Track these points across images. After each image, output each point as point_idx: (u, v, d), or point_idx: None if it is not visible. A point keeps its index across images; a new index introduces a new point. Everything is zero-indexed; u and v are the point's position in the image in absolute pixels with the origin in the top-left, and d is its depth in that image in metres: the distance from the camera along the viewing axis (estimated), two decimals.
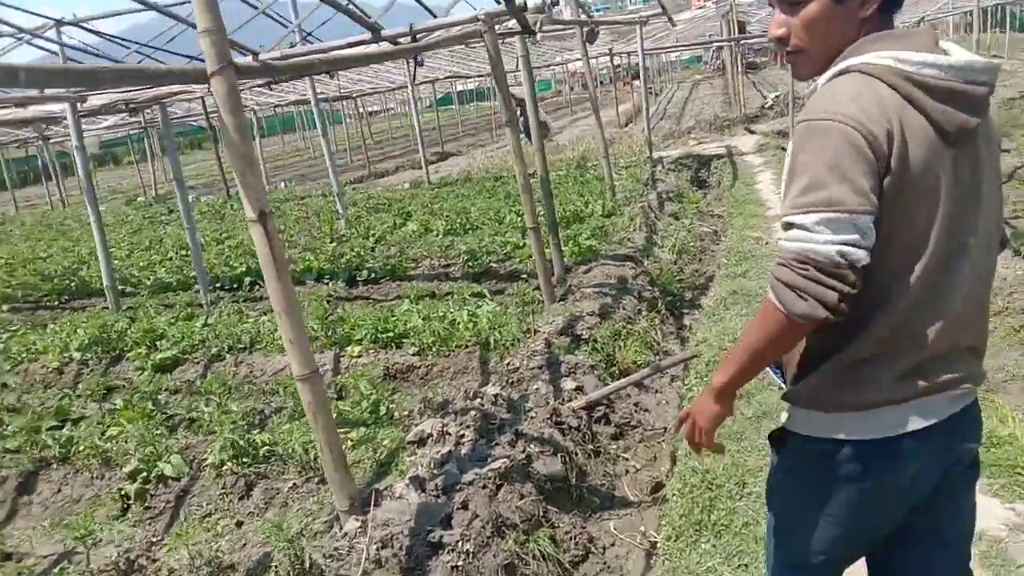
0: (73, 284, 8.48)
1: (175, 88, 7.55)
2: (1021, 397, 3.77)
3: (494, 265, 7.05)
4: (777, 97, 18.74)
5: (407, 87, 14.33)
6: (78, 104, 6.32)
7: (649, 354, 5.27)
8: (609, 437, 4.36)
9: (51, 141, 16.81)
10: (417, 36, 5.64)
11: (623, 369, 5.04)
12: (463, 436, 3.72)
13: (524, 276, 6.68)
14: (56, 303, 8.29)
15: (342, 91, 21.30)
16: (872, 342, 1.44)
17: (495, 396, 4.10)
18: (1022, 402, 3.67)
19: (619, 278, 6.20)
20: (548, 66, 31.28)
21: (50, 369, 5.83)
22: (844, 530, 1.59)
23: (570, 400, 4.40)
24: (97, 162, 33.83)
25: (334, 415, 4.25)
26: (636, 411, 4.65)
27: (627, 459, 4.22)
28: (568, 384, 4.54)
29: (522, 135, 17.72)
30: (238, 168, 3.00)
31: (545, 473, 3.64)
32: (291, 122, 36.81)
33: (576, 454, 3.94)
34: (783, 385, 1.65)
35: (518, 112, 18.76)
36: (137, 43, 7.21)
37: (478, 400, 4.05)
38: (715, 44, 28.45)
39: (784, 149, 12.54)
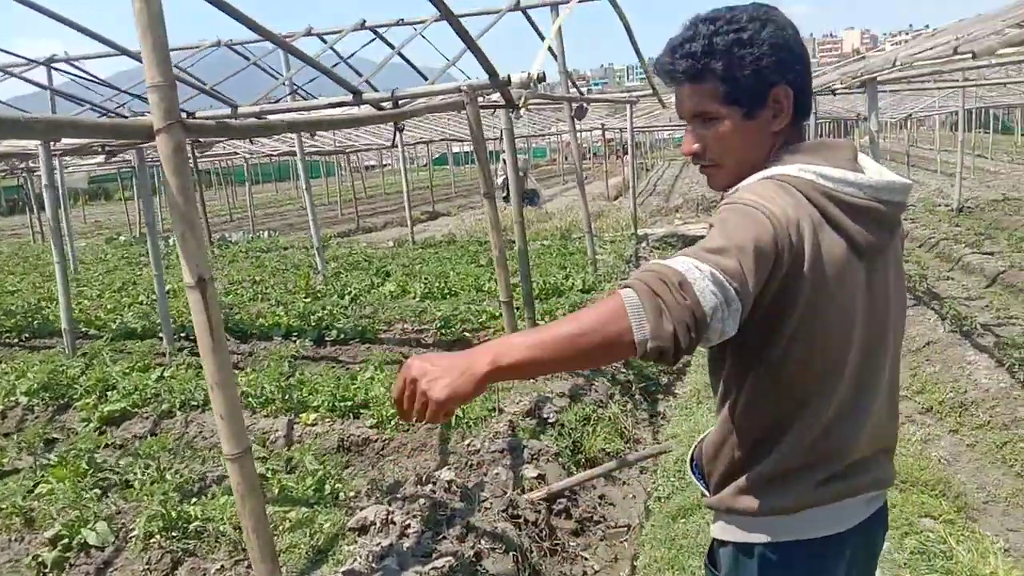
0: (35, 322, 8.21)
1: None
2: (1002, 521, 3.58)
3: (467, 334, 6.86)
4: None
5: (403, 145, 14.35)
6: (51, 143, 6.17)
7: (619, 442, 5.06)
8: (569, 532, 4.11)
9: (35, 173, 16.68)
10: (399, 102, 5.57)
11: (590, 457, 4.82)
12: (408, 527, 3.47)
13: None
14: (16, 341, 8.00)
15: (337, 145, 21.42)
16: (796, 454, 1.46)
17: (448, 483, 3.86)
18: (1003, 527, 3.48)
19: None
20: (542, 135, 31.68)
21: None
22: None
23: (530, 489, 4.17)
24: (88, 196, 33.76)
25: (277, 490, 4.01)
26: (600, 504, 4.42)
27: (586, 559, 3.97)
28: (530, 472, 4.31)
29: (525, 204, 17.83)
30: (178, 231, 2.82)
31: (494, 572, 3.39)
32: (286, 170, 36.99)
33: (531, 551, 3.69)
34: (706, 492, 1.64)
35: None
36: (119, 90, 7.10)
37: (430, 486, 3.81)
38: None
39: None
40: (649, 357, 1.22)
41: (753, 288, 1.28)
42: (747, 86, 1.45)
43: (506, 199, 18.66)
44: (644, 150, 38.66)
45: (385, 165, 39.34)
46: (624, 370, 6.14)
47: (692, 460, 1.71)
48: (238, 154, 20.69)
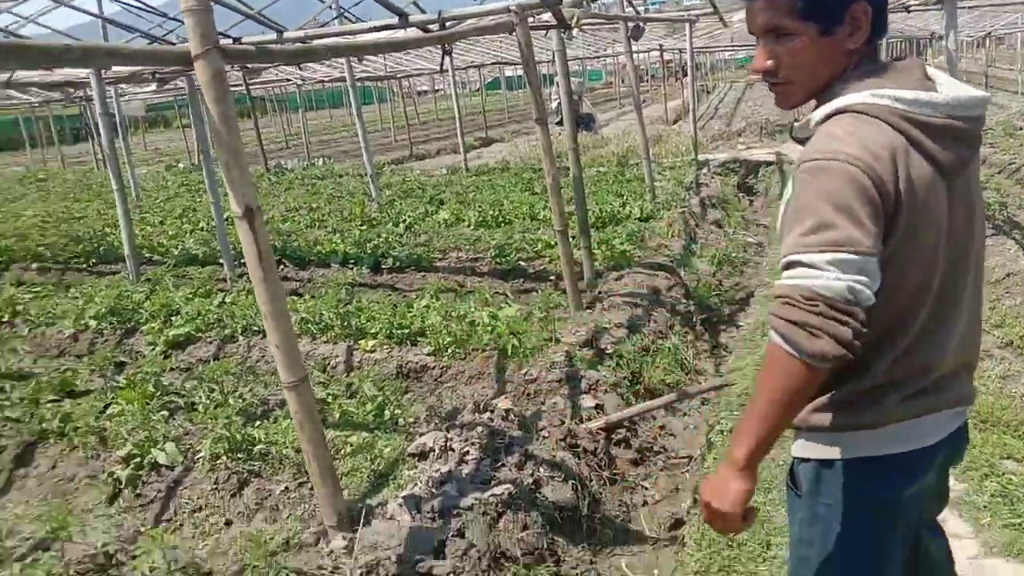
0: (101, 248, 8.41)
1: None
2: None
3: (523, 263, 6.79)
4: None
5: (454, 69, 14.04)
6: (102, 72, 6.16)
7: (679, 373, 4.97)
8: (628, 462, 4.08)
9: (92, 102, 16.85)
10: (446, 24, 5.37)
11: (649, 388, 4.75)
12: (467, 453, 3.47)
13: (552, 278, 6.40)
14: (83, 266, 8.22)
15: (388, 70, 21.13)
16: (884, 372, 1.47)
17: (506, 411, 3.84)
18: None
19: (652, 288, 5.89)
20: (598, 57, 30.75)
21: (65, 336, 5.72)
22: (881, 550, 1.58)
23: (588, 419, 4.14)
24: (148, 124, 34.21)
25: (338, 415, 4.05)
26: (661, 435, 4.37)
27: (646, 488, 3.95)
28: (587, 402, 4.27)
29: (580, 129, 17.43)
30: (222, 160, 2.78)
31: (554, 500, 3.39)
32: (340, 97, 36.80)
33: (590, 480, 3.68)
34: None
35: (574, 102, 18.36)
36: (168, 16, 7.02)
37: (487, 414, 3.80)
38: None
39: None
40: (842, 361, 1.32)
41: (874, 235, 1.31)
42: (825, 1, 1.41)
43: (559, 124, 18.30)
44: (704, 72, 37.32)
45: (438, 90, 38.80)
46: (684, 300, 6.00)
47: None
48: (291, 80, 20.60)
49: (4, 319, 5.94)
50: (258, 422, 3.98)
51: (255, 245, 2.83)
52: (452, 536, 2.97)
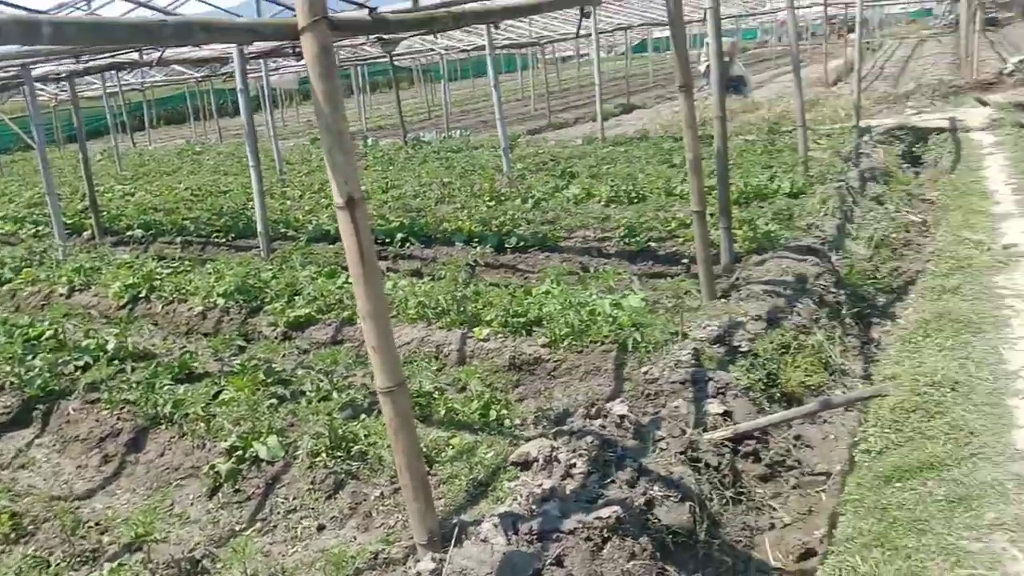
0: (240, 223, 8.69)
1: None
2: None
3: (653, 244, 6.34)
4: (1021, 62, 16.03)
5: (597, 34, 13.51)
6: (244, 48, 6.22)
7: (823, 374, 4.43)
8: (756, 478, 3.65)
9: (249, 76, 17.60)
10: None
11: (787, 392, 4.26)
12: (574, 466, 3.16)
13: (686, 261, 5.93)
14: (223, 240, 8.52)
15: (534, 36, 20.79)
16: None
17: (620, 417, 3.49)
18: None
19: (798, 275, 5.31)
20: (754, 14, 29.02)
21: (195, 313, 5.88)
22: None
23: (714, 427, 3.73)
24: (302, 96, 35.71)
25: (443, 411, 3.86)
26: (795, 447, 3.89)
27: (775, 509, 3.51)
28: (714, 407, 3.85)
29: (731, 92, 16.48)
30: (325, 144, 2.57)
31: (667, 523, 3.03)
32: (483, 66, 36.90)
33: (711, 499, 3.29)
34: None
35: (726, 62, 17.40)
36: None
37: (600, 420, 3.47)
38: None
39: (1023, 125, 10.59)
40: None
41: None
42: None
43: (725, 92, 17.28)
44: (871, 28, 34.46)
45: (583, 55, 38.03)
46: (834, 289, 5.37)
47: None
48: (434, 50, 20.72)
49: (142, 294, 6.18)
50: (363, 416, 3.85)
51: (356, 238, 2.62)
52: (550, 564, 2.69)
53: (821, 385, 4.37)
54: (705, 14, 5.56)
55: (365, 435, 3.56)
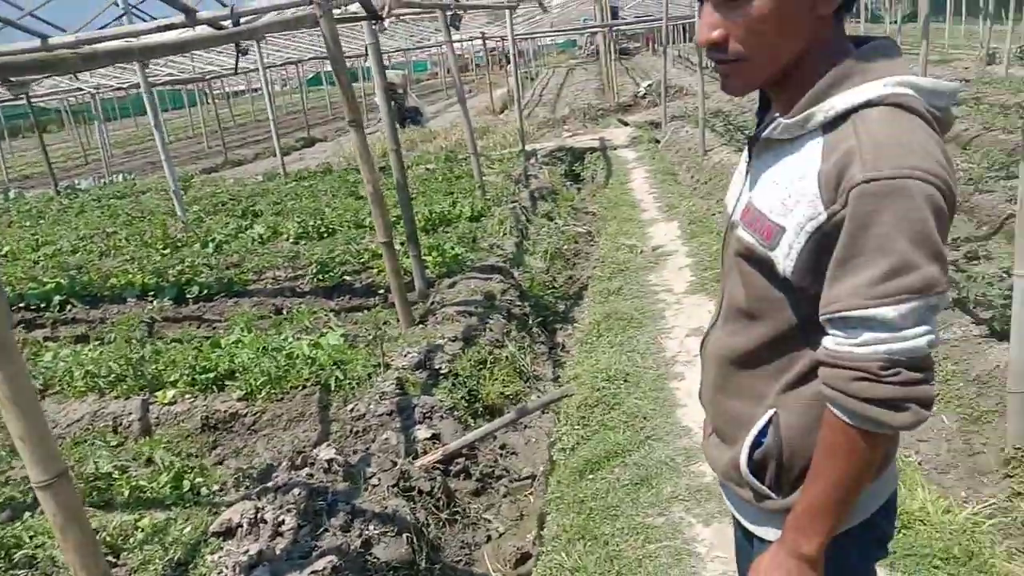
0: None
1: None
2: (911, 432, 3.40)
3: (348, 277, 6.28)
4: (650, 86, 18.64)
5: (264, 68, 13.11)
6: None
7: (519, 383, 4.69)
8: (469, 494, 3.75)
9: None
10: (240, 20, 4.78)
11: (488, 405, 4.44)
12: (282, 524, 2.99)
13: (382, 291, 5.95)
14: None
15: (197, 71, 19.66)
16: None
17: (328, 462, 3.38)
18: (913, 437, 3.28)
19: (486, 293, 5.58)
20: (421, 48, 30.27)
21: None
22: None
23: (424, 452, 3.76)
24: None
25: (127, 492, 3.44)
26: (502, 456, 4.07)
27: (490, 521, 3.63)
28: (423, 432, 3.89)
29: (408, 123, 16.86)
30: None
31: (386, 559, 2.98)
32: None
33: (428, 526, 3.31)
34: (771, 495, 1.28)
35: (393, 98, 17.80)
36: None
37: (306, 470, 3.32)
38: (588, 29, 28.28)
39: (657, 141, 12.27)
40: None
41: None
42: None
43: (402, 124, 17.70)
44: (527, 58, 37.72)
45: (255, 90, 36.83)
46: (519, 303, 5.74)
47: (749, 459, 1.29)
48: (83, 90, 18.72)
49: None
50: (27, 515, 3.30)
51: None
52: None
53: (519, 393, 4.63)
54: (367, 50, 5.64)
55: (31, 537, 3.05)
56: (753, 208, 1.21)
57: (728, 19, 1.13)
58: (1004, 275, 4.21)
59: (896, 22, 23.21)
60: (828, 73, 1.12)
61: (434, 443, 3.87)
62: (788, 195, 1.13)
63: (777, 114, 1.21)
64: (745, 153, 1.32)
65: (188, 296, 6.18)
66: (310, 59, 21.59)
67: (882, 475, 1.27)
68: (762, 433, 1.25)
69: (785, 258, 1.14)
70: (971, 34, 23.89)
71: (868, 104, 1.08)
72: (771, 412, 1.24)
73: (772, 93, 1.24)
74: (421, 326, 5.09)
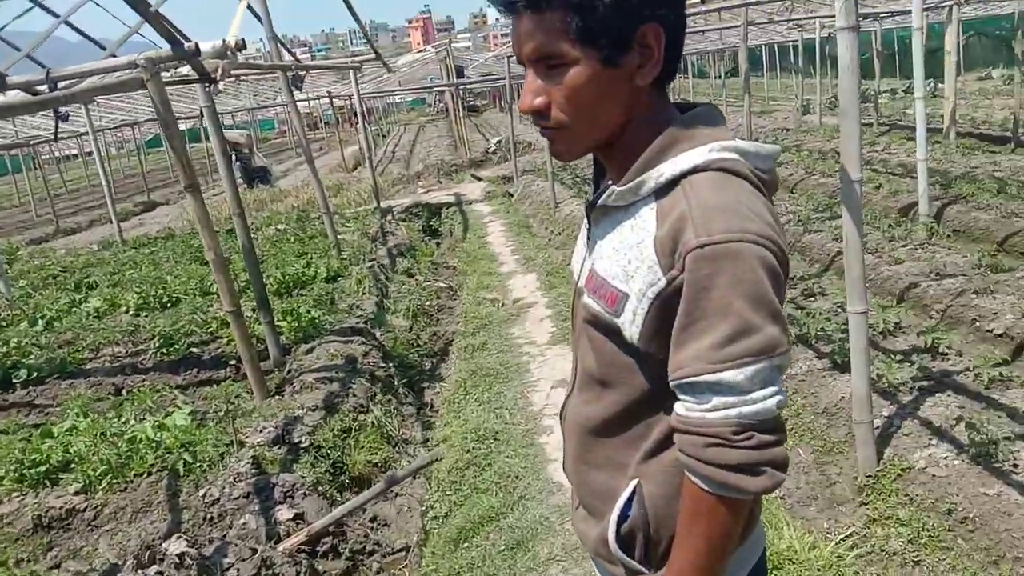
0: None
1: None
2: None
3: (196, 349, 5.91)
4: (499, 142, 19.10)
5: (95, 131, 12.37)
6: None
7: (388, 449, 4.54)
8: (340, 575, 3.55)
9: None
10: (58, 85, 4.48)
11: (355, 476, 4.26)
12: None
13: (234, 362, 5.64)
14: None
15: (20, 136, 18.32)
16: None
17: (180, 556, 3.10)
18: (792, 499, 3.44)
19: (347, 357, 5.41)
20: (267, 107, 29.72)
21: None
22: None
23: (287, 535, 3.53)
24: None
25: None
26: (373, 529, 3.89)
27: None
28: (284, 513, 3.65)
29: (241, 182, 16.32)
30: None
31: None
32: None
33: None
34: (644, 570, 1.23)
35: (234, 156, 17.22)
36: None
37: (155, 567, 3.04)
38: (436, 88, 28.76)
39: (511, 195, 12.54)
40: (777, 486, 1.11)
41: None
42: (607, 19, 1.08)
43: (251, 184, 17.11)
44: (378, 116, 37.81)
45: (88, 154, 34.73)
46: (383, 364, 5.60)
47: (617, 534, 1.24)
48: None
49: None
50: None
51: None
52: None
53: (388, 460, 4.47)
54: (202, 112, 5.43)
55: None
56: (596, 275, 1.20)
57: (550, 86, 1.14)
58: (839, 309, 4.53)
59: (720, 77, 25.22)
60: (655, 141, 1.13)
61: (298, 523, 3.64)
62: (628, 261, 1.13)
63: (610, 181, 1.22)
64: (585, 220, 1.32)
65: (16, 380, 5.59)
66: (146, 121, 20.66)
67: (748, 538, 1.26)
68: (627, 506, 1.22)
69: (631, 324, 1.13)
70: (786, 87, 26.34)
71: (695, 170, 1.10)
72: (634, 483, 1.22)
73: (603, 159, 1.25)
74: (277, 397, 4.85)
